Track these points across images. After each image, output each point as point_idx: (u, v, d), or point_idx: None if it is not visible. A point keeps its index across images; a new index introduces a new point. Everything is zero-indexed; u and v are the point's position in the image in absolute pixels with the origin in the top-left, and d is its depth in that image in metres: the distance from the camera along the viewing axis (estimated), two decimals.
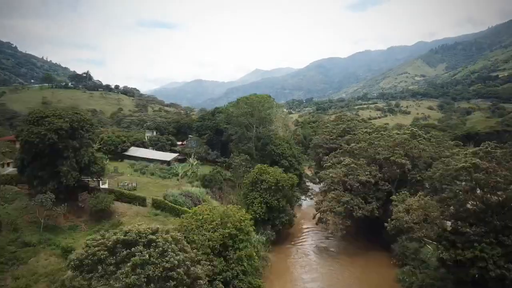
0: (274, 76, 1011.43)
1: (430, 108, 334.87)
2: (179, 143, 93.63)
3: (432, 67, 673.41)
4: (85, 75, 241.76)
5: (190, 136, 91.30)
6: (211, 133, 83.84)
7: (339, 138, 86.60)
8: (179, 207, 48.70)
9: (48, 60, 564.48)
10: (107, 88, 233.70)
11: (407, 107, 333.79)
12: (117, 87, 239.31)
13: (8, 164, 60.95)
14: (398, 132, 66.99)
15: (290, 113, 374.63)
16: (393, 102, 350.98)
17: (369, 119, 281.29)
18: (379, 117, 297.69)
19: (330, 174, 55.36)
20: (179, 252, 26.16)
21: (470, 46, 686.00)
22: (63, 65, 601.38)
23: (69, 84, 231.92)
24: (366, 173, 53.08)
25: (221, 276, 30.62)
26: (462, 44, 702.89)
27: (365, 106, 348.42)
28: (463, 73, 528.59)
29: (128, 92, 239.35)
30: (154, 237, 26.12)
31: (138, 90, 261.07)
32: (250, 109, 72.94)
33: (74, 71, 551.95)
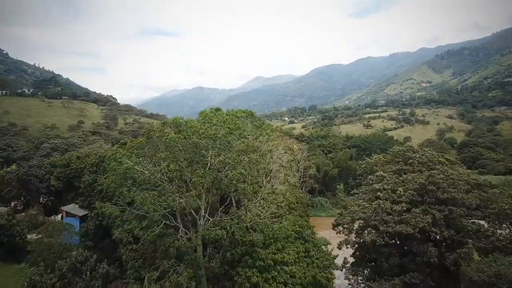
0: (275, 83, 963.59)
1: (450, 117, 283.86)
2: (68, 208, 42.66)
3: (438, 73, 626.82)
4: (47, 81, 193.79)
5: (74, 203, 41.17)
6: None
7: (416, 210, 36.36)
8: None
9: (41, 67, 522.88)
10: (73, 95, 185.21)
11: (423, 116, 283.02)
12: (86, 94, 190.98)
13: None
14: None
15: (292, 122, 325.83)
16: (407, 111, 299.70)
17: (384, 130, 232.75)
18: (394, 128, 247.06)
19: None
20: None
21: (477, 51, 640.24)
22: (58, 72, 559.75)
23: (27, 91, 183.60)
24: None
25: None
26: (468, 49, 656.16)
27: (376, 114, 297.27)
28: (474, 78, 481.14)
29: (99, 100, 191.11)
30: None
31: (114, 98, 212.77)
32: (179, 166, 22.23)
33: (68, 78, 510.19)
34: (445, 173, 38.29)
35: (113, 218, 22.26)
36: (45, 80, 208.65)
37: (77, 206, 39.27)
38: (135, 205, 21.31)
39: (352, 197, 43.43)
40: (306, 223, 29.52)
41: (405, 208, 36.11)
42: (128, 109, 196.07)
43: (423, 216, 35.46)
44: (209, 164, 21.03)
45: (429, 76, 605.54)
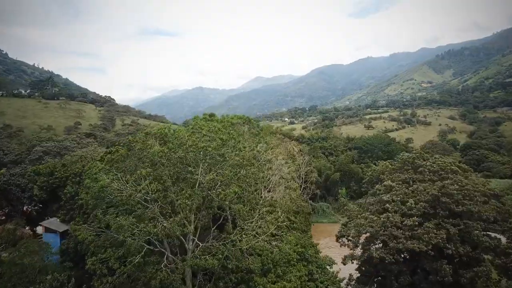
0: (275, 83, 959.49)
1: (452, 117, 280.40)
2: (48, 223, 38.32)
3: (438, 73, 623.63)
4: (43, 81, 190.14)
5: (55, 218, 37.30)
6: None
7: (429, 225, 33.58)
8: None
9: (40, 67, 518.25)
10: (71, 96, 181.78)
11: (425, 116, 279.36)
12: (83, 95, 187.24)
13: None
14: None
15: (293, 123, 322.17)
16: (408, 111, 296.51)
17: (385, 131, 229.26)
18: (396, 129, 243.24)
19: None
20: None
21: (477, 51, 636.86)
22: (57, 73, 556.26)
23: (23, 92, 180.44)
24: None
25: None
26: (469, 49, 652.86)
27: (377, 115, 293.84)
28: (475, 79, 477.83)
29: (96, 101, 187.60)
30: None
31: (113, 99, 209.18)
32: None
33: (67, 78, 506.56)
34: (459, 184, 35.26)
35: (87, 243, 19.24)
36: (41, 80, 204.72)
37: (58, 220, 36.02)
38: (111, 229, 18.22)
39: (358, 208, 40.38)
40: (309, 241, 26.40)
41: (416, 223, 33.04)
42: (126, 110, 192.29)
43: (436, 231, 32.48)
44: (198, 182, 17.94)
45: (430, 76, 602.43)
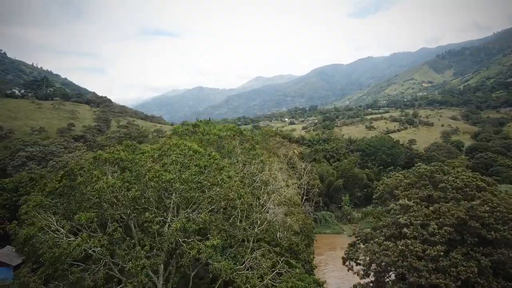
0: (275, 83, 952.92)
1: (454, 118, 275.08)
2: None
3: (439, 73, 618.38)
4: (38, 81, 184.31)
5: (12, 245, 31.44)
6: None
7: (457, 256, 27.95)
8: None
9: (39, 66, 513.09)
10: (65, 96, 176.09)
11: (427, 117, 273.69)
12: (78, 95, 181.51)
13: None
14: None
15: (293, 123, 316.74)
16: (410, 111, 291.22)
17: (387, 132, 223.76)
18: (398, 130, 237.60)
19: None
20: None
21: (478, 51, 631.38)
22: (57, 72, 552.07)
23: (17, 92, 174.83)
24: None
25: None
26: (469, 49, 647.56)
27: (378, 115, 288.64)
28: (476, 79, 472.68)
29: (92, 101, 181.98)
30: None
31: (109, 99, 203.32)
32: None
33: (66, 78, 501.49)
34: (489, 204, 29.81)
35: None
36: (36, 80, 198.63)
37: (13, 249, 30.79)
38: None
39: (369, 230, 35.09)
40: (314, 283, 21.17)
41: (441, 252, 27.62)
42: (122, 111, 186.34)
43: (465, 263, 27.08)
44: (165, 229, 12.64)
45: (430, 76, 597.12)
